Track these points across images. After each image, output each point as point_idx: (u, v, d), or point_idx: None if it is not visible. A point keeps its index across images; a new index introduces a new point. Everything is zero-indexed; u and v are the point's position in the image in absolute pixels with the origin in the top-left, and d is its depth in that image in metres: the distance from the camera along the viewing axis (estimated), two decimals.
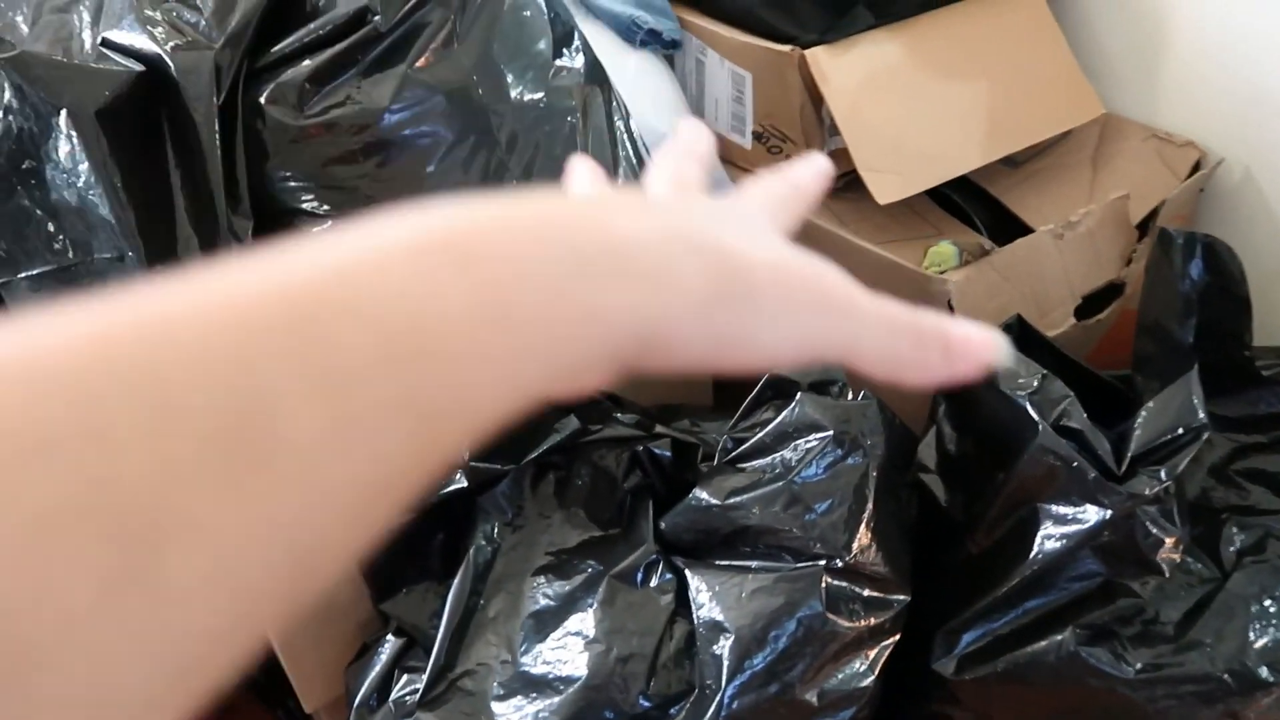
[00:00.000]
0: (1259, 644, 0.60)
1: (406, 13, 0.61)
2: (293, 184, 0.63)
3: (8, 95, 0.59)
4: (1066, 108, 0.86)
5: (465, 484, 0.69)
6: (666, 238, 0.22)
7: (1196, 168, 0.85)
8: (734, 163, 0.91)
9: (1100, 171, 0.87)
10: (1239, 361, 0.69)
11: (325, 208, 0.63)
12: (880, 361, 0.26)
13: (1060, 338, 0.78)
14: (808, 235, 0.84)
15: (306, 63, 0.62)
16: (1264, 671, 0.60)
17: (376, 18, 0.61)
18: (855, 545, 0.61)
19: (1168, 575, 0.62)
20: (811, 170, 0.33)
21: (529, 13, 0.65)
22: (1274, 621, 0.61)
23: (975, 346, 0.26)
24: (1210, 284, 0.69)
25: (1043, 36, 0.87)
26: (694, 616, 0.62)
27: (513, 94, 0.64)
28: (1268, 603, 0.61)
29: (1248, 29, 0.80)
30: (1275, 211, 0.83)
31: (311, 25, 0.61)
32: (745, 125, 0.88)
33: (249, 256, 0.17)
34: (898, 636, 0.64)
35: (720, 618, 0.61)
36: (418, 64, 0.62)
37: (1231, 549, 0.64)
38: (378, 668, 0.73)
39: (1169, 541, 0.61)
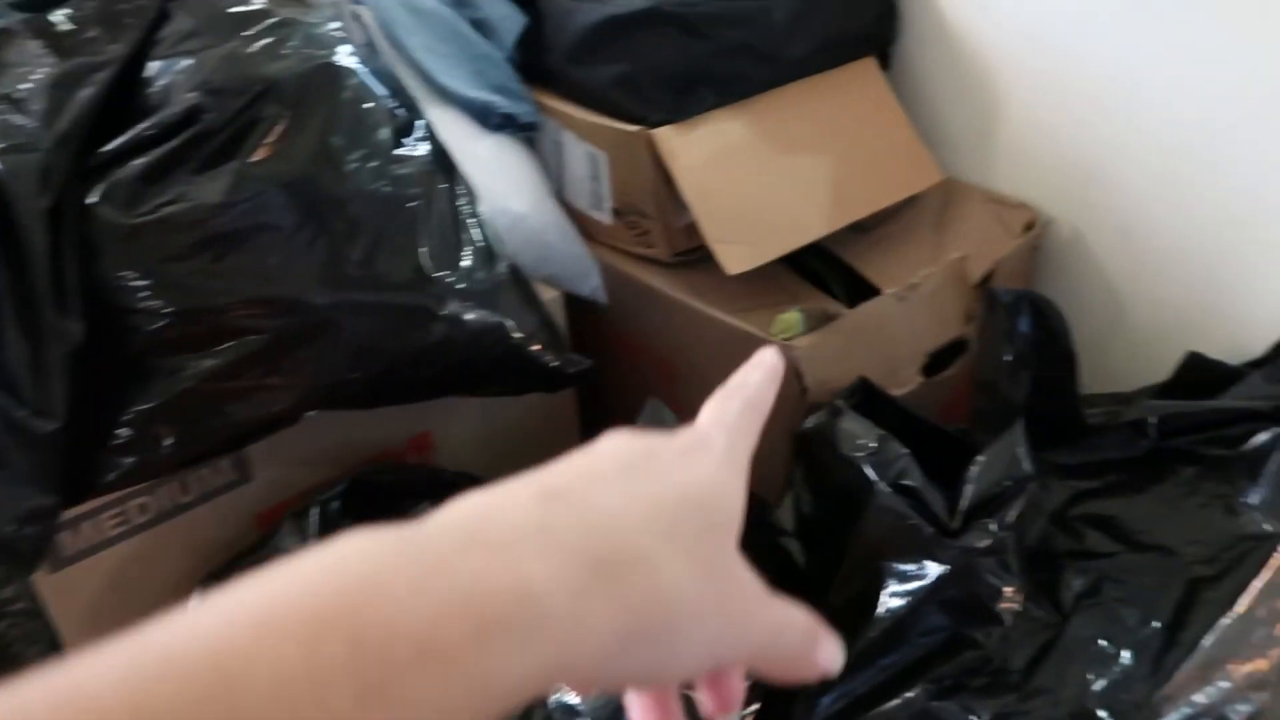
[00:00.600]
0: (1097, 686, 0.62)
1: (239, 109, 0.62)
2: (127, 283, 0.62)
3: None
4: (907, 175, 0.90)
5: None
6: (581, 583, 0.21)
7: (1030, 227, 0.90)
8: (597, 239, 0.93)
9: (943, 234, 0.91)
10: (1070, 411, 0.72)
11: (161, 305, 0.63)
12: (783, 667, 0.27)
13: (910, 396, 0.80)
14: (665, 307, 0.87)
15: (138, 161, 0.61)
16: (1104, 714, 0.61)
17: (209, 114, 0.61)
18: None
19: (1009, 624, 0.63)
20: (762, 374, 0.32)
21: (368, 104, 0.67)
22: (1110, 662, 0.63)
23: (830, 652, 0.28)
24: (1039, 339, 0.73)
25: (883, 109, 0.92)
26: (547, 701, 0.62)
27: (352, 183, 0.65)
28: (1103, 644, 0.64)
29: (1072, 101, 0.86)
30: (1103, 266, 0.89)
31: (142, 124, 0.61)
32: (604, 203, 0.90)
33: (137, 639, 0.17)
34: (757, 705, 0.64)
35: (573, 700, 0.61)
36: (252, 158, 0.62)
37: (1070, 593, 0.66)
38: None
39: (1007, 591, 0.63)
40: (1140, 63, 0.80)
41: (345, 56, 0.69)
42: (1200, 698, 0.62)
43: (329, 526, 0.69)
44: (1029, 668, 0.64)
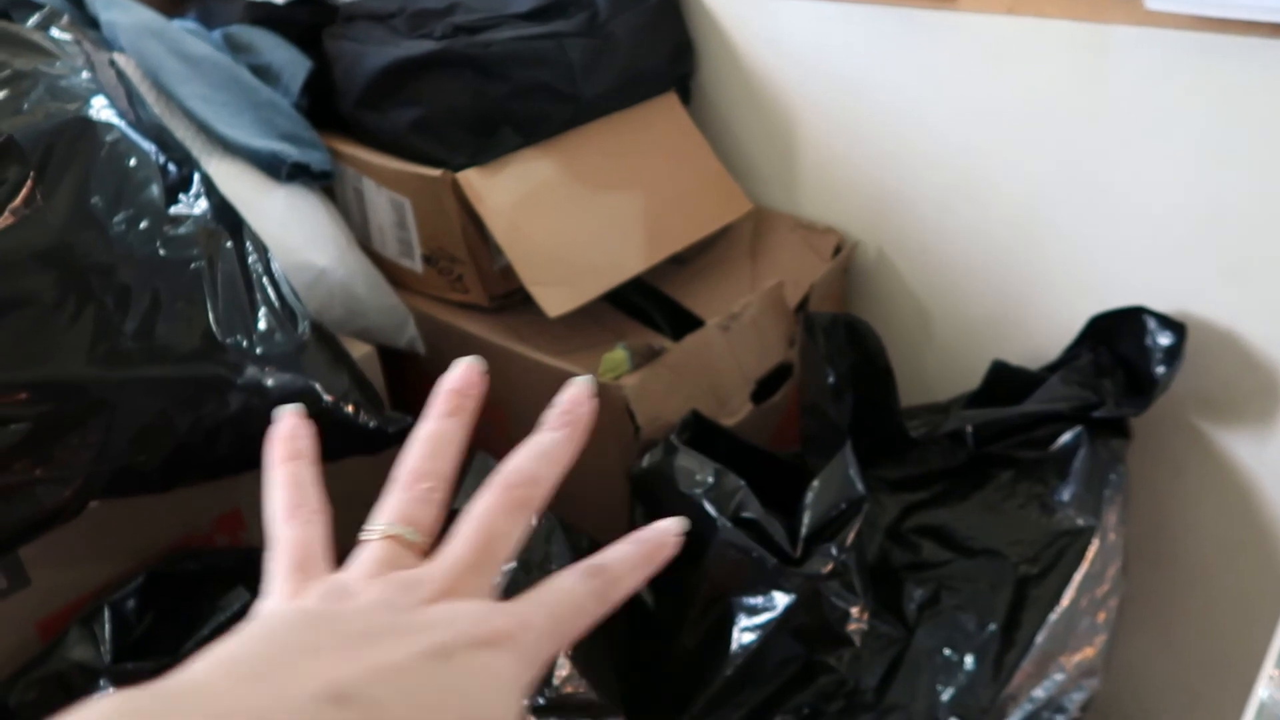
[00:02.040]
0: (945, 696, 0.63)
1: None
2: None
3: None
4: (718, 207, 0.91)
5: (111, 690, 0.60)
6: None
7: (839, 250, 0.93)
8: (410, 288, 0.88)
9: (759, 261, 0.93)
10: (892, 427, 0.74)
11: None
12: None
13: (742, 424, 0.80)
14: (486, 353, 0.83)
15: None
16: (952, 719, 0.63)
17: None
18: (556, 678, 0.58)
19: (859, 644, 0.64)
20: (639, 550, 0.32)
21: (132, 161, 0.60)
22: (954, 670, 0.64)
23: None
24: (857, 359, 0.74)
25: (688, 143, 0.93)
26: None
27: (119, 248, 0.58)
28: (948, 652, 0.65)
29: (862, 128, 0.90)
30: (908, 283, 0.92)
31: None
32: (413, 250, 0.86)
33: None
34: None
35: None
36: None
37: (912, 605, 0.67)
38: None
39: (854, 611, 0.63)
40: (916, 88, 0.84)
41: (100, 109, 0.62)
42: (1039, 692, 0.64)
43: (124, 628, 0.61)
44: (881, 685, 0.64)
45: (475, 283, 0.84)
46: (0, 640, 0.64)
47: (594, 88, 0.86)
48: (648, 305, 0.89)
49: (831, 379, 0.72)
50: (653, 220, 0.86)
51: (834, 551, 0.61)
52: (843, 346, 0.73)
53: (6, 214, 0.55)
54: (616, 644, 0.66)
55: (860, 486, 0.63)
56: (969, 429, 0.73)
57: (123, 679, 0.60)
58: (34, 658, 0.61)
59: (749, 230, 0.95)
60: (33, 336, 0.56)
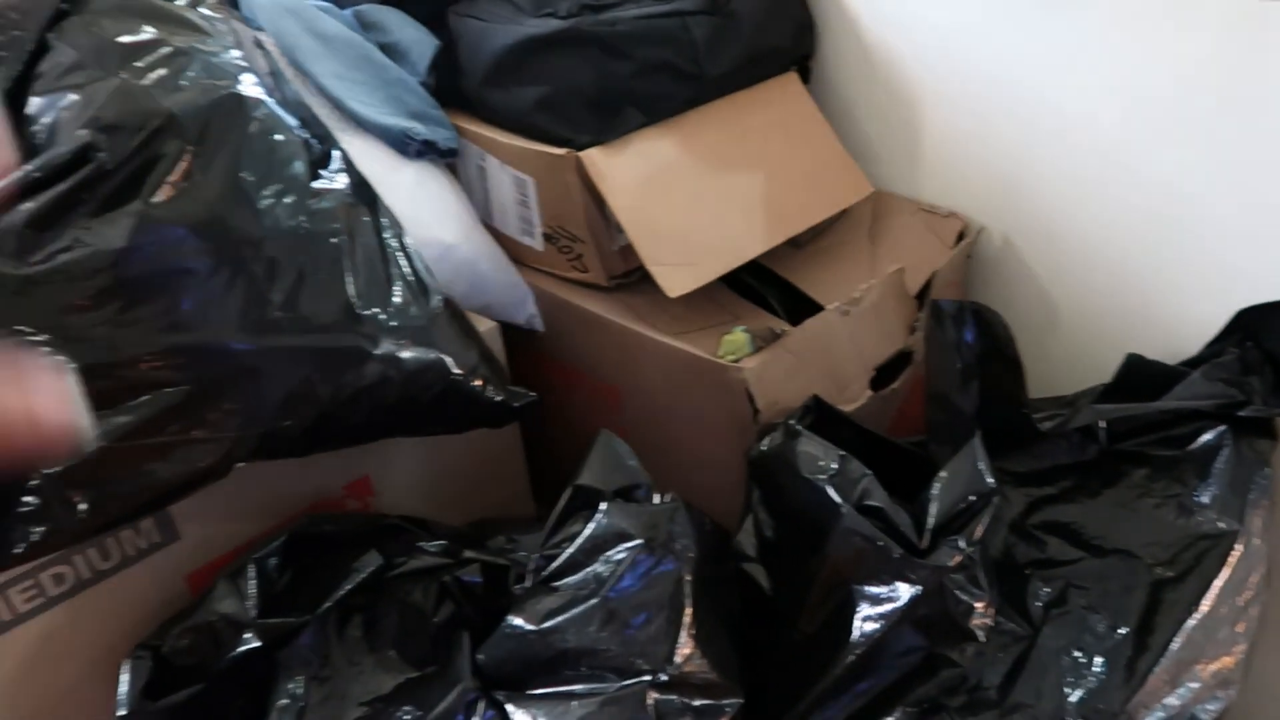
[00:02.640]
0: (1074, 698, 0.61)
1: (136, 147, 0.56)
2: (27, 339, 0.56)
3: None
4: (838, 189, 0.90)
5: (258, 643, 0.63)
6: None
7: (962, 236, 0.90)
8: (530, 265, 0.90)
9: (878, 246, 0.91)
10: (1019, 419, 0.72)
11: (68, 361, 0.57)
12: None
13: (860, 411, 0.79)
14: (605, 332, 0.84)
15: (26, 206, 0.56)
16: None
17: (102, 154, 0.56)
18: (678, 655, 0.59)
19: (983, 640, 0.62)
20: None
21: (279, 136, 0.62)
22: (1083, 672, 0.62)
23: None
24: (984, 349, 0.72)
25: (809, 125, 0.92)
26: None
27: (268, 221, 0.60)
28: (1077, 654, 0.63)
29: (991, 110, 0.87)
30: (1033, 272, 0.89)
31: (28, 166, 0.56)
32: (535, 228, 0.87)
33: None
34: None
35: None
36: (155, 199, 0.57)
37: (1038, 603, 0.66)
38: None
39: (979, 606, 0.62)
40: (1052, 69, 0.81)
41: (250, 86, 0.64)
42: (1172, 700, 0.62)
43: (267, 584, 0.64)
44: (1005, 683, 0.63)
45: (595, 261, 0.85)
46: (153, 590, 0.68)
47: (717, 67, 0.85)
48: (762, 288, 0.89)
49: (959, 367, 0.70)
50: (773, 202, 0.85)
51: (962, 544, 0.60)
52: (971, 335, 0.71)
53: (166, 186, 0.58)
54: (738, 628, 0.67)
55: (990, 479, 0.61)
56: (1102, 424, 0.71)
57: (266, 633, 0.63)
58: (184, 609, 0.64)
59: (868, 214, 0.94)
60: (190, 304, 0.59)
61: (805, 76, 0.96)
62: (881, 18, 0.91)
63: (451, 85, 0.90)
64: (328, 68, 0.86)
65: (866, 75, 0.94)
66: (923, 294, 0.85)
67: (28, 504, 0.59)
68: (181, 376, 0.59)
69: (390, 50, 0.91)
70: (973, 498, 0.61)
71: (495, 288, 0.85)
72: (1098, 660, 0.62)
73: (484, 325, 0.78)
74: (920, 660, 0.63)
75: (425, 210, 0.81)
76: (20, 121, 0.58)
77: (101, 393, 0.58)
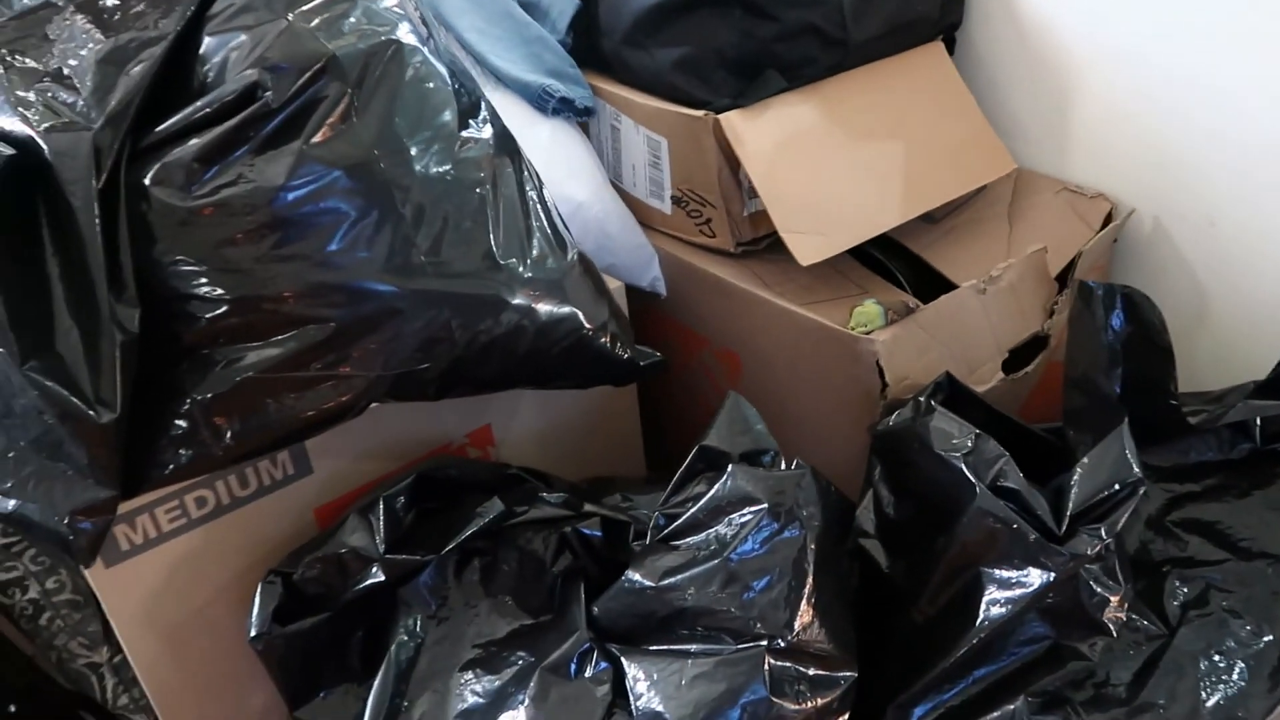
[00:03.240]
0: (1210, 703, 0.59)
1: (299, 88, 0.58)
2: (183, 268, 0.59)
3: None
4: (980, 164, 0.87)
5: (383, 577, 0.65)
6: None
7: (1109, 219, 0.86)
8: (656, 228, 0.89)
9: (1017, 225, 0.88)
10: (1166, 411, 0.69)
11: (219, 291, 0.59)
12: None
13: (990, 393, 0.77)
14: (731, 298, 0.83)
15: (194, 141, 0.58)
16: None
17: (268, 94, 0.58)
18: (797, 623, 0.58)
19: (1115, 634, 0.60)
20: None
21: (432, 84, 0.63)
22: (1223, 677, 0.59)
23: None
24: (1133, 335, 0.69)
25: (953, 96, 0.89)
26: (632, 708, 0.59)
27: (417, 167, 0.62)
28: (1216, 658, 0.60)
29: (1153, 85, 0.82)
30: (1186, 259, 0.85)
31: (198, 103, 0.58)
32: (664, 191, 0.87)
33: None
34: (846, 715, 0.61)
35: (660, 708, 0.58)
36: (314, 139, 0.59)
37: (1175, 603, 0.63)
38: None
39: (1114, 600, 0.60)
40: (1219, 46, 0.76)
41: (407, 34, 0.65)
42: None
43: (394, 522, 0.66)
44: (1135, 681, 0.60)
45: (723, 226, 0.84)
46: (284, 521, 0.71)
47: (863, 32, 0.83)
48: (891, 262, 0.86)
49: (1106, 352, 0.67)
50: (911, 174, 0.83)
51: (1102, 533, 0.57)
52: (1119, 319, 0.68)
53: (325, 128, 0.60)
54: (854, 604, 0.66)
55: (1137, 469, 0.58)
56: (1257, 420, 0.67)
57: (391, 569, 0.65)
58: (315, 539, 0.67)
59: (1008, 192, 0.90)
60: (340, 244, 0.61)
61: (950, 47, 0.93)
62: None
63: (590, 45, 0.90)
64: (470, 22, 0.88)
65: (1016, 47, 0.90)
66: (1063, 277, 0.82)
67: (178, 427, 0.62)
68: (328, 314, 0.61)
69: (531, 8, 0.91)
70: (1116, 486, 0.58)
71: (622, 249, 0.85)
72: (1239, 666, 0.59)
73: (610, 285, 0.78)
74: (1045, 650, 0.61)
75: (559, 167, 0.82)
76: (194, 59, 0.61)
77: (253, 325, 0.61)
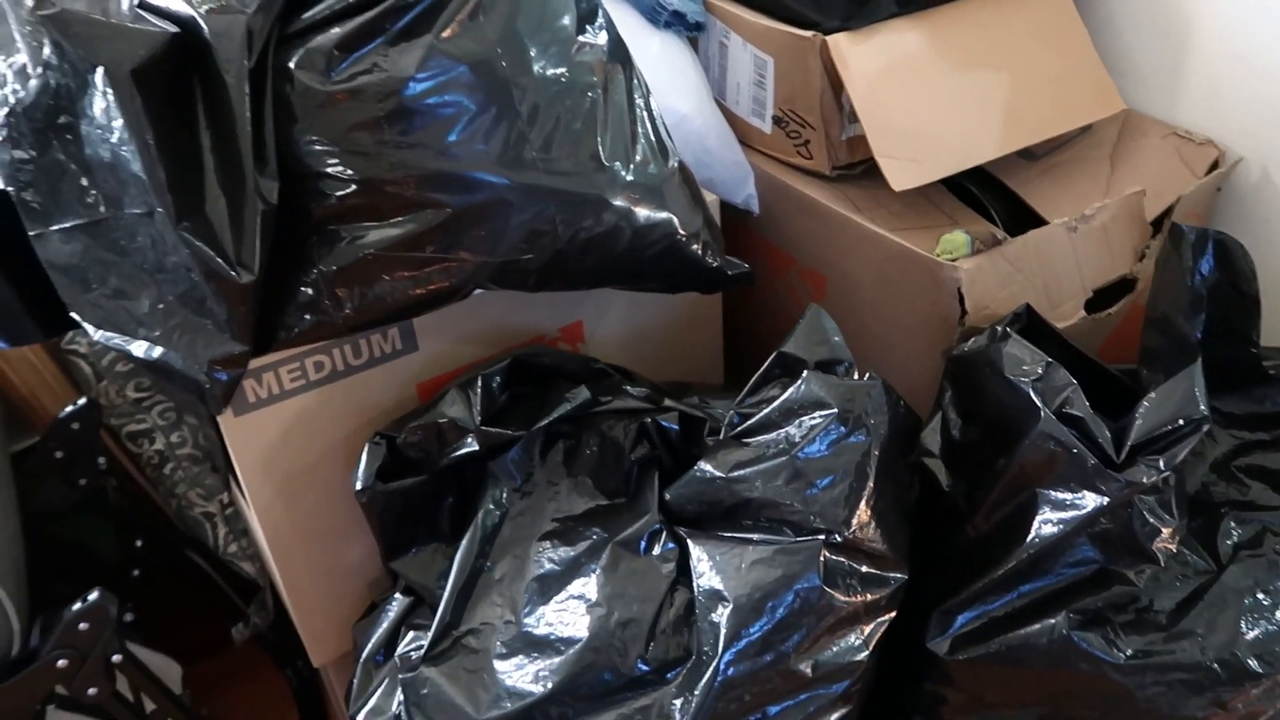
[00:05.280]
0: (1250, 635, 0.61)
1: None
2: (318, 148, 0.64)
3: (47, 51, 0.61)
4: (1087, 102, 0.86)
5: (476, 447, 0.71)
6: None
7: (1214, 166, 0.85)
8: (753, 147, 0.92)
9: (1118, 167, 0.87)
10: (1246, 359, 0.70)
11: (349, 172, 0.65)
12: None
13: (1070, 330, 0.78)
14: (822, 219, 0.86)
15: (335, 30, 0.63)
16: (1253, 662, 0.60)
17: None
18: (854, 521, 0.62)
19: (1163, 565, 0.62)
20: None
21: None
22: (1266, 614, 0.62)
23: None
24: (1220, 280, 0.69)
25: (1066, 31, 0.88)
26: (694, 585, 0.64)
27: (535, 68, 0.65)
28: (1261, 596, 0.62)
29: (1271, 35, 0.80)
30: None
31: None
32: (766, 110, 0.89)
33: None
34: (893, 614, 0.65)
35: (719, 587, 0.63)
36: (444, 34, 0.63)
37: (1229, 543, 0.65)
38: (385, 624, 0.74)
39: (1165, 531, 0.62)
40: None
41: None
42: None
43: (490, 398, 0.72)
44: (1178, 609, 0.63)
45: (820, 149, 0.86)
46: (390, 391, 0.77)
47: None
48: (985, 196, 0.87)
49: (1189, 294, 0.68)
50: (1014, 107, 0.83)
51: (1160, 466, 0.59)
52: (1208, 264, 0.69)
53: (454, 24, 0.64)
54: (912, 516, 0.69)
55: (1203, 407, 0.60)
56: None
57: (484, 440, 0.71)
58: (418, 409, 0.73)
59: (1113, 132, 0.90)
60: (460, 135, 0.65)
61: None
62: None
63: None
64: None
65: None
66: (1159, 221, 0.82)
67: (305, 294, 0.68)
68: (444, 200, 0.66)
69: None
70: (1180, 422, 0.60)
71: (719, 164, 0.88)
72: None
73: (708, 198, 0.81)
74: (1092, 573, 0.64)
75: (665, 79, 0.84)
76: None
77: (376, 205, 0.66)
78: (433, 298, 0.69)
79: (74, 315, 0.67)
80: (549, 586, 0.67)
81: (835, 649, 0.63)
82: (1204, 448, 0.70)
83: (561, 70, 0.67)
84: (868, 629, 0.64)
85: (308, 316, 0.68)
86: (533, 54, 0.66)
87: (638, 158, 0.69)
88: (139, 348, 0.67)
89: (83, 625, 0.74)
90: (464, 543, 0.71)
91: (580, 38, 0.68)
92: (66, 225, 0.65)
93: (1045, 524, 0.62)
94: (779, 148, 0.90)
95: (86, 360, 1.02)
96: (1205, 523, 0.66)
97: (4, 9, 0.69)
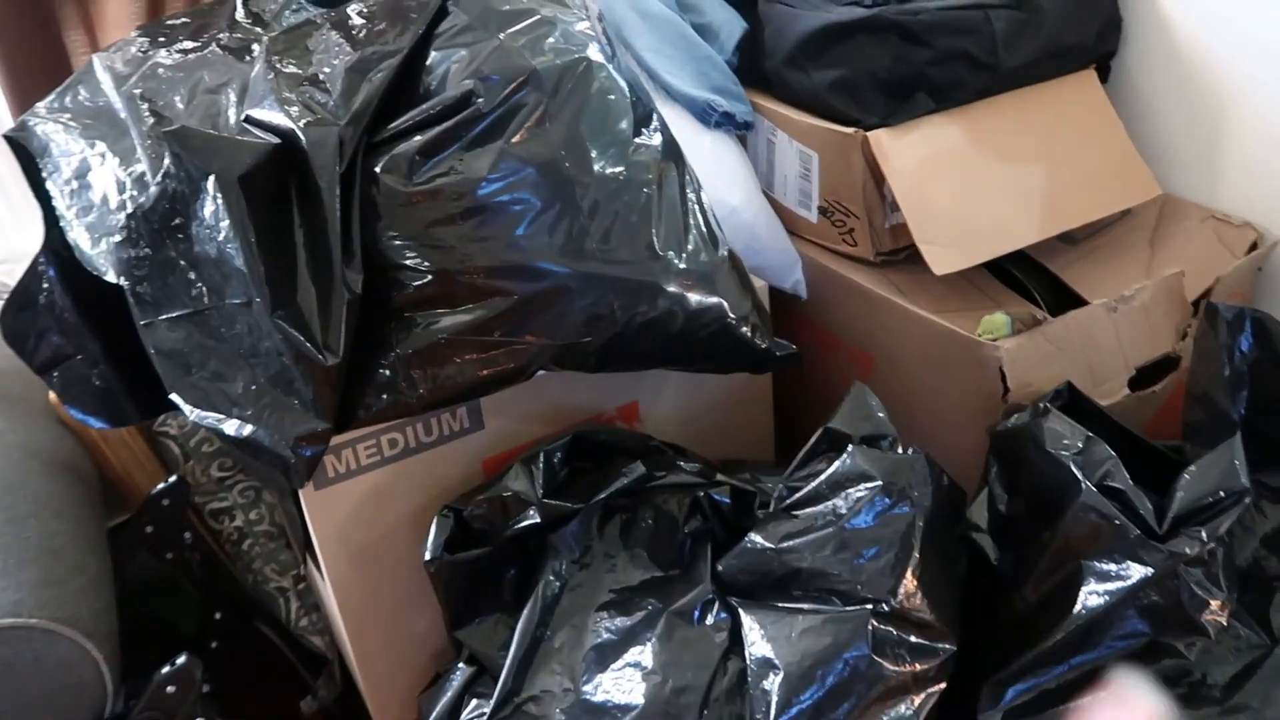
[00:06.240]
0: None
1: (506, 95, 0.69)
2: (398, 242, 0.71)
3: (167, 162, 0.69)
4: (1123, 188, 0.90)
5: (538, 519, 0.75)
6: None
7: (1254, 247, 0.87)
8: (801, 235, 0.97)
9: (1158, 250, 0.90)
10: None
11: (426, 264, 0.71)
12: None
13: (1115, 407, 0.80)
14: (868, 302, 0.89)
15: (417, 138, 0.70)
16: None
17: (479, 100, 0.69)
18: (901, 591, 0.64)
19: (1213, 637, 0.63)
20: None
21: (613, 96, 0.73)
22: None
23: None
24: (1260, 357, 0.71)
25: (1100, 121, 0.92)
26: (746, 653, 0.66)
27: (596, 167, 0.71)
28: None
29: None
30: None
31: (423, 105, 0.70)
32: (812, 201, 0.94)
33: None
34: (943, 685, 0.66)
35: (771, 655, 0.65)
36: (514, 140, 0.69)
37: None
38: (449, 693, 0.77)
39: (1214, 604, 0.62)
40: None
41: (596, 53, 0.75)
42: None
43: (551, 473, 0.76)
44: (1232, 683, 0.63)
45: (865, 237, 0.90)
46: (458, 467, 0.82)
47: (1013, 59, 0.87)
48: (1030, 280, 0.90)
49: (1228, 371, 0.70)
50: (1051, 194, 0.87)
51: (1203, 537, 0.61)
52: (1246, 342, 0.70)
53: (523, 131, 0.71)
54: (961, 588, 0.71)
55: (1244, 479, 0.61)
56: None
57: (546, 512, 0.75)
58: (484, 484, 0.78)
59: (1153, 217, 0.92)
60: (526, 230, 0.71)
61: (1105, 74, 0.96)
62: (1194, 15, 0.89)
63: (754, 65, 0.98)
64: (646, 42, 0.97)
65: (1171, 75, 0.93)
66: (1200, 302, 0.84)
67: (383, 376, 0.74)
68: (512, 288, 0.71)
69: (703, 30, 1.01)
70: (1222, 494, 0.61)
71: (769, 251, 0.93)
72: None
73: (757, 284, 0.86)
74: (1143, 647, 0.64)
75: (717, 174, 0.90)
76: (422, 70, 0.73)
77: (450, 294, 0.72)
78: (499, 378, 0.74)
79: (174, 397, 0.74)
80: (606, 655, 0.70)
81: (886, 718, 0.64)
82: (1254, 522, 0.71)
83: (620, 169, 0.73)
84: (918, 699, 0.65)
85: (385, 396, 0.73)
86: (594, 155, 0.72)
87: (690, 247, 0.74)
88: (231, 426, 0.73)
89: (170, 688, 0.78)
90: (525, 613, 0.74)
91: (637, 139, 0.74)
92: (174, 315, 0.72)
93: (1091, 595, 0.64)
94: (825, 236, 0.94)
95: (176, 441, 1.09)
96: (1258, 597, 0.67)
97: (127, 124, 0.77)
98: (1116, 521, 0.62)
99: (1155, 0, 0.92)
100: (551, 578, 0.76)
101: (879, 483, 0.65)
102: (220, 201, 0.68)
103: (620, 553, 0.77)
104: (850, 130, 0.86)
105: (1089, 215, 0.88)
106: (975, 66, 0.87)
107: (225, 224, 0.68)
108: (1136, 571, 0.62)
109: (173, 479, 0.97)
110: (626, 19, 0.98)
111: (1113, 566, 0.63)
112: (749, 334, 0.77)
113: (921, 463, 0.67)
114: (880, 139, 0.85)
